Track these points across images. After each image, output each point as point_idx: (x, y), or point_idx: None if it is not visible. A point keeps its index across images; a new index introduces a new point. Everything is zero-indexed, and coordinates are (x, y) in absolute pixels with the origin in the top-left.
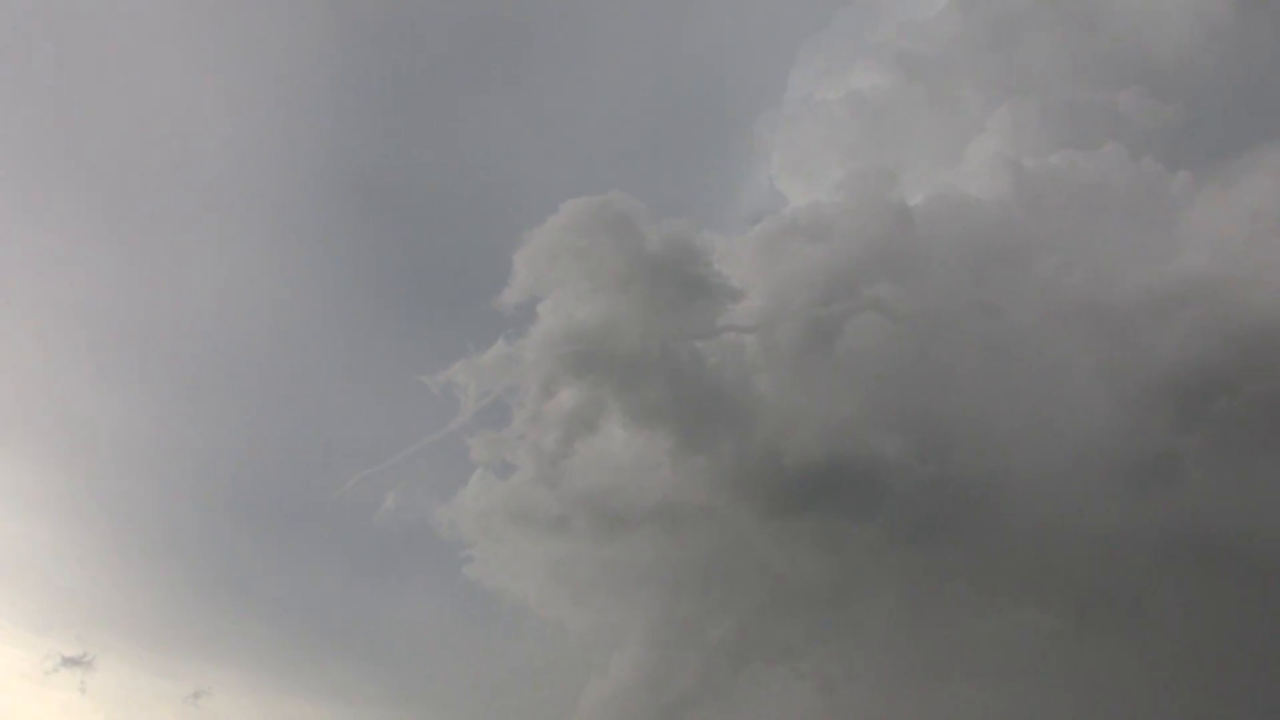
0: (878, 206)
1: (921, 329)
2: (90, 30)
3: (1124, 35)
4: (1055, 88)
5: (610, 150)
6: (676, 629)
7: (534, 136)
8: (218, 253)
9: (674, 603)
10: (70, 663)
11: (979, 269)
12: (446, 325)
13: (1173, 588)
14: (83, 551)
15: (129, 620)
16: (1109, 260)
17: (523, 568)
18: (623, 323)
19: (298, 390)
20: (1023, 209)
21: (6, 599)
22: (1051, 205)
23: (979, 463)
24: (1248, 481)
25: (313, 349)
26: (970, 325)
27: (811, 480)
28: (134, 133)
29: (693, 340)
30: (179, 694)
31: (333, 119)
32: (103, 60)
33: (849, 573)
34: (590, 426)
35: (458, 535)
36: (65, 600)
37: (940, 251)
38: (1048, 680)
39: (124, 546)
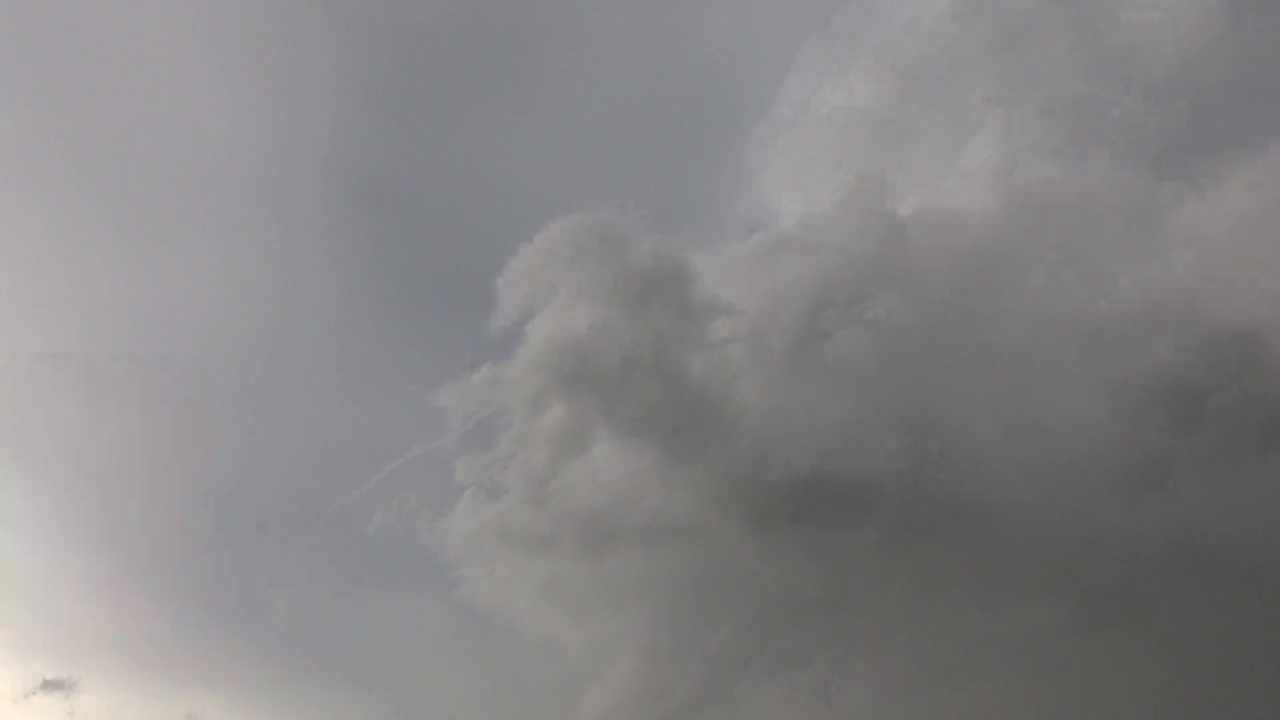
0: (870, 218)
1: (914, 340)
2: (94, 33)
3: (1116, 40)
4: (1049, 92)
5: (606, 157)
6: (673, 640)
7: (530, 145)
8: (207, 268)
9: (668, 616)
10: (51, 686)
11: (971, 280)
12: (443, 337)
13: (1176, 587)
14: (69, 573)
15: (117, 642)
16: (1098, 267)
17: (516, 587)
18: (609, 340)
19: (286, 404)
20: (1013, 219)
21: None
22: (1042, 215)
23: (974, 467)
24: (1243, 482)
25: (302, 363)
26: (963, 335)
27: (798, 492)
28: (134, 137)
29: (680, 355)
30: (170, 718)
31: (330, 128)
32: (105, 63)
33: (841, 581)
34: (578, 447)
35: (447, 556)
36: (50, 623)
37: (932, 264)
38: (1058, 678)
39: (111, 566)
